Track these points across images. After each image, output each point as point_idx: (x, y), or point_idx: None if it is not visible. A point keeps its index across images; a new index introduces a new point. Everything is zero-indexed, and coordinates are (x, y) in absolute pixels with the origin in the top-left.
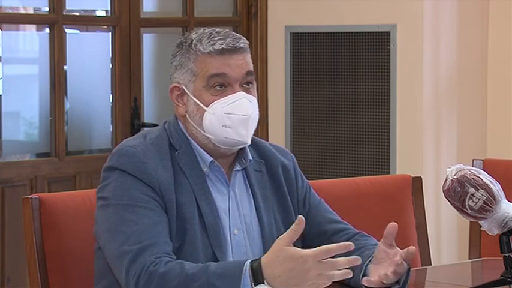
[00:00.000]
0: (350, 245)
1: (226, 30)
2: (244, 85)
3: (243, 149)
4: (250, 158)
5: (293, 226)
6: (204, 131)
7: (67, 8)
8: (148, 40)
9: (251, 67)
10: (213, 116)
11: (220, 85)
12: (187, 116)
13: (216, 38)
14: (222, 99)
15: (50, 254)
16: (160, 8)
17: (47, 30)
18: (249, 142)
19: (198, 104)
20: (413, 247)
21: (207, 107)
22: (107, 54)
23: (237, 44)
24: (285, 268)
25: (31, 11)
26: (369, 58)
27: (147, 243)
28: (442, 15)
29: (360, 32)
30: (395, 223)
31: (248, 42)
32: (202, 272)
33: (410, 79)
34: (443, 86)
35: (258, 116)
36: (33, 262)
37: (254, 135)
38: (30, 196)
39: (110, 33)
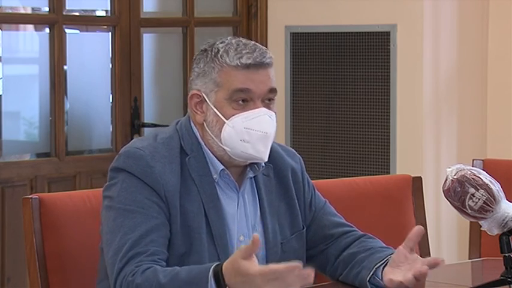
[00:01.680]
0: (298, 266)
1: (253, 42)
2: (266, 101)
3: None
4: (263, 164)
5: (248, 245)
6: (221, 143)
7: (67, 8)
8: (148, 40)
9: (274, 83)
10: (232, 129)
11: (243, 100)
12: (204, 124)
13: (243, 51)
14: (243, 113)
15: (50, 254)
16: (160, 8)
17: (47, 30)
18: (266, 159)
19: (218, 115)
20: (443, 259)
21: (227, 119)
22: (107, 54)
23: (264, 60)
24: (238, 280)
25: (31, 11)
26: (369, 58)
27: (136, 252)
28: (442, 15)
29: (360, 32)
30: (421, 227)
31: (273, 57)
32: (172, 281)
33: (410, 79)
34: (443, 86)
35: (275, 131)
36: (33, 262)
37: None
38: (30, 196)
39: (110, 33)
